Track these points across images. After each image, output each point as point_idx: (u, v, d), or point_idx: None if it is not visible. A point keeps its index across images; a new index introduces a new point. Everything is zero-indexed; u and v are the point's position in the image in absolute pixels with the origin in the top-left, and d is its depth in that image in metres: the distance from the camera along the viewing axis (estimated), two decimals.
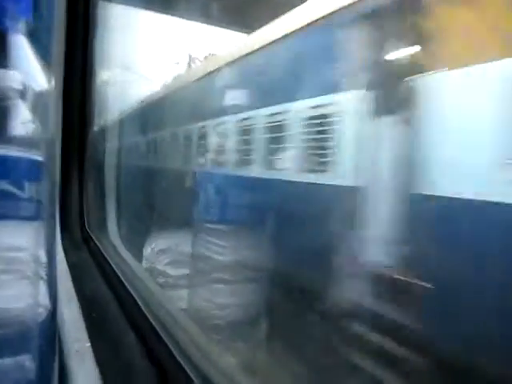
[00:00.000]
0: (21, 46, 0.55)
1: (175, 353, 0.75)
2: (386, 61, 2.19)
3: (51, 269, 0.59)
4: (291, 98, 2.79)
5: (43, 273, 0.58)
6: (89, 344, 0.76)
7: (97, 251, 1.41)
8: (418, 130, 1.87)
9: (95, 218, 1.64)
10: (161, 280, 1.84)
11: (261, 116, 3.11)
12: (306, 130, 2.68)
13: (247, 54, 3.34)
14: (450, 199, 1.76)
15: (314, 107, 2.63)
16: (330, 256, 1.95)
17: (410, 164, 1.93)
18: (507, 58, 1.63)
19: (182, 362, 0.73)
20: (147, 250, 2.16)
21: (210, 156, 3.47)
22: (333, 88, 2.42)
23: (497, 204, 1.62)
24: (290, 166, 2.66)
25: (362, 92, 2.13)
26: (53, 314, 0.60)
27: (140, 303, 0.97)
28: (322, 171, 2.49)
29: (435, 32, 1.83)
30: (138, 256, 2.17)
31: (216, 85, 3.67)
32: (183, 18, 3.77)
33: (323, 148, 2.51)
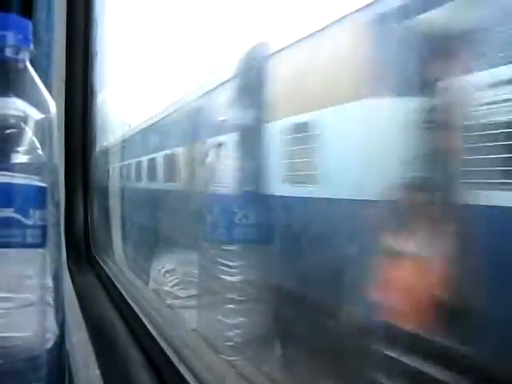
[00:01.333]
0: (22, 75, 0.56)
1: (186, 376, 0.75)
2: None
3: (58, 294, 0.59)
4: None
5: (50, 299, 0.57)
6: (98, 371, 0.76)
7: (103, 274, 1.41)
8: None
9: (101, 241, 1.64)
10: (169, 301, 1.83)
11: None
12: None
13: None
14: None
15: None
16: None
17: None
18: None
19: None
20: (154, 271, 2.15)
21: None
22: None
23: None
24: None
25: None
26: (61, 339, 0.60)
27: (148, 326, 0.96)
28: None
29: None
30: (145, 277, 2.16)
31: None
32: None
33: None
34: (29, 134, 0.54)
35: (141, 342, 0.91)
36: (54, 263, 0.58)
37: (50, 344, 0.56)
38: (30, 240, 0.54)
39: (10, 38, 0.54)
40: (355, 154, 1.15)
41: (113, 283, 1.32)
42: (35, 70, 0.58)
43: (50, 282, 0.57)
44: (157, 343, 0.88)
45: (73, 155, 1.46)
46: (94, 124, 1.66)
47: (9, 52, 0.55)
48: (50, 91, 0.59)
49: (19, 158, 0.54)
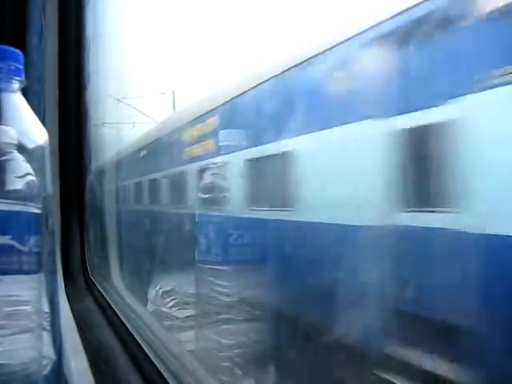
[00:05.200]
0: (14, 104, 0.57)
1: None
2: None
3: (54, 320, 0.59)
4: None
5: (46, 324, 0.58)
6: None
7: (101, 298, 1.41)
8: None
9: (98, 264, 1.64)
10: (166, 323, 1.83)
11: None
12: None
13: None
14: None
15: None
16: None
17: None
18: None
19: None
20: (151, 293, 2.15)
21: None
22: None
23: None
24: None
25: None
26: (58, 365, 0.60)
27: (146, 349, 0.96)
28: None
29: None
30: (143, 300, 2.16)
31: None
32: None
33: None
34: (22, 161, 0.55)
35: (140, 366, 0.91)
36: (49, 289, 0.58)
37: (47, 370, 0.56)
38: (25, 266, 0.54)
39: (2, 69, 0.55)
40: None
41: (110, 306, 1.31)
42: (28, 97, 0.59)
43: (46, 308, 0.57)
44: (154, 366, 0.88)
45: (67, 181, 1.46)
46: (89, 149, 1.67)
47: (1, 82, 0.56)
48: (43, 117, 0.60)
49: (14, 185, 0.55)
